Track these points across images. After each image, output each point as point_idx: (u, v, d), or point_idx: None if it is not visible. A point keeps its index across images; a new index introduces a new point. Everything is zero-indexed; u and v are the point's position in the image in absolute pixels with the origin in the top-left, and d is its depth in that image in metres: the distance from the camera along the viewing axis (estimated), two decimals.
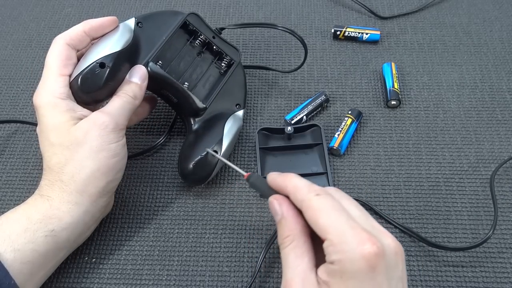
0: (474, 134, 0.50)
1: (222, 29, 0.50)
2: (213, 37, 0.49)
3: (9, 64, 0.59)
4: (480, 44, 0.58)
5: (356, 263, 0.28)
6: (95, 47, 0.41)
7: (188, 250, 0.43)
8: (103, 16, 0.42)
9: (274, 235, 0.42)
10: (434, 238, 0.43)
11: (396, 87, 0.52)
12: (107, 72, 0.40)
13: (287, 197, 0.33)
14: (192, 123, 0.46)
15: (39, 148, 0.40)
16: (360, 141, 0.50)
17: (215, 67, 0.49)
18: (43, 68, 0.40)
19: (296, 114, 0.51)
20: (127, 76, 0.42)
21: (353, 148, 0.49)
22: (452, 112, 0.52)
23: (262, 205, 0.46)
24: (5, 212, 0.38)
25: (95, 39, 0.42)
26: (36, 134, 0.41)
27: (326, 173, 0.47)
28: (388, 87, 0.52)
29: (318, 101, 0.51)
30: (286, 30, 0.49)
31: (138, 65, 0.42)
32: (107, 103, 0.41)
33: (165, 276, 0.42)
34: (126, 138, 0.41)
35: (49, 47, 0.40)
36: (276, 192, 0.34)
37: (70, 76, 0.40)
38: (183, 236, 0.44)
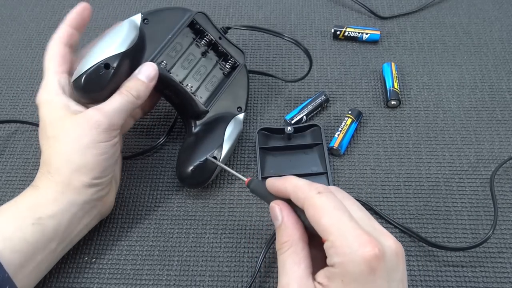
0: (474, 134, 0.50)
1: (228, 28, 0.49)
2: (220, 38, 0.48)
3: (9, 64, 0.59)
4: (480, 44, 0.58)
5: (357, 266, 0.27)
6: (100, 44, 0.40)
7: (188, 250, 0.43)
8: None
9: (274, 235, 0.42)
10: (434, 238, 0.43)
11: (396, 87, 0.52)
12: (111, 73, 0.39)
13: (288, 201, 0.33)
14: (193, 125, 0.46)
15: (39, 148, 0.40)
16: (360, 141, 0.50)
17: (219, 68, 0.48)
18: (43, 68, 0.41)
19: (296, 114, 0.51)
20: (136, 71, 0.41)
21: (353, 148, 0.49)
22: (452, 112, 0.52)
23: (262, 205, 0.46)
24: None
25: (81, 28, 0.42)
26: (37, 134, 0.41)
27: (326, 173, 0.47)
28: (388, 87, 0.52)
29: (318, 101, 0.51)
30: (292, 41, 0.47)
31: (150, 63, 0.41)
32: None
33: (165, 276, 0.42)
34: (126, 138, 0.41)
35: None
36: (276, 197, 0.34)
37: (67, 71, 0.41)
38: (183, 236, 0.44)
